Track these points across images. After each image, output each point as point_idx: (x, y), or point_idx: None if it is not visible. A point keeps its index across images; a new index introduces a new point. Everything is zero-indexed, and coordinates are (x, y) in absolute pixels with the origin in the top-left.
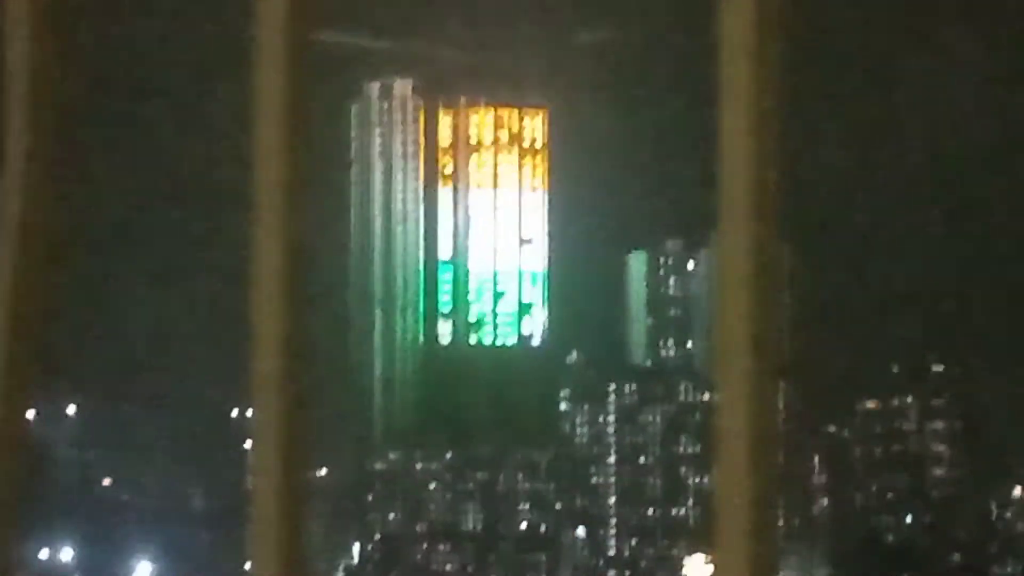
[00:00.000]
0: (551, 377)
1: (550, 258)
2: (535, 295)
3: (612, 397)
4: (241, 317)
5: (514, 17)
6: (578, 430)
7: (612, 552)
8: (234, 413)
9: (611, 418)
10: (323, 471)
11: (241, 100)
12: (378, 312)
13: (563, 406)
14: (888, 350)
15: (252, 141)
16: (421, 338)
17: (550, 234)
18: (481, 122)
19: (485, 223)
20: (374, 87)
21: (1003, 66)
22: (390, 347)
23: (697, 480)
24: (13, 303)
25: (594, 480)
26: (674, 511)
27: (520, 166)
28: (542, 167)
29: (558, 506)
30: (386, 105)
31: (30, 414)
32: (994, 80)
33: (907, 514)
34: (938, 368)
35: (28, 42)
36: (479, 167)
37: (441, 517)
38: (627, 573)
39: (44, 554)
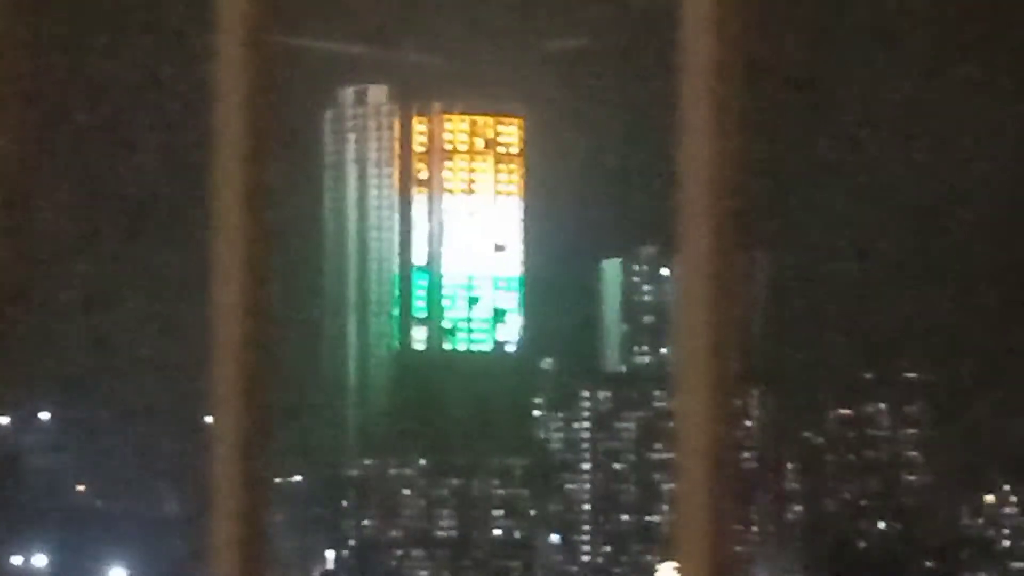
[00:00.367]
0: (525, 383)
1: (525, 264)
2: (509, 301)
3: (586, 403)
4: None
5: (489, 24)
6: (552, 436)
7: (586, 558)
8: (208, 419)
9: (585, 424)
10: (297, 477)
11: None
12: (352, 318)
13: (537, 412)
14: (861, 357)
15: (212, 148)
16: (395, 344)
17: (525, 241)
18: (456, 129)
19: (460, 229)
20: (348, 93)
21: (979, 70)
22: (364, 353)
23: (671, 487)
24: None
25: (568, 486)
26: (648, 518)
27: (495, 173)
28: (517, 174)
29: (532, 512)
30: (360, 111)
31: (3, 420)
32: (968, 84)
33: (879, 520)
34: (911, 375)
35: None
36: (454, 174)
37: (415, 523)
38: None
39: (17, 560)
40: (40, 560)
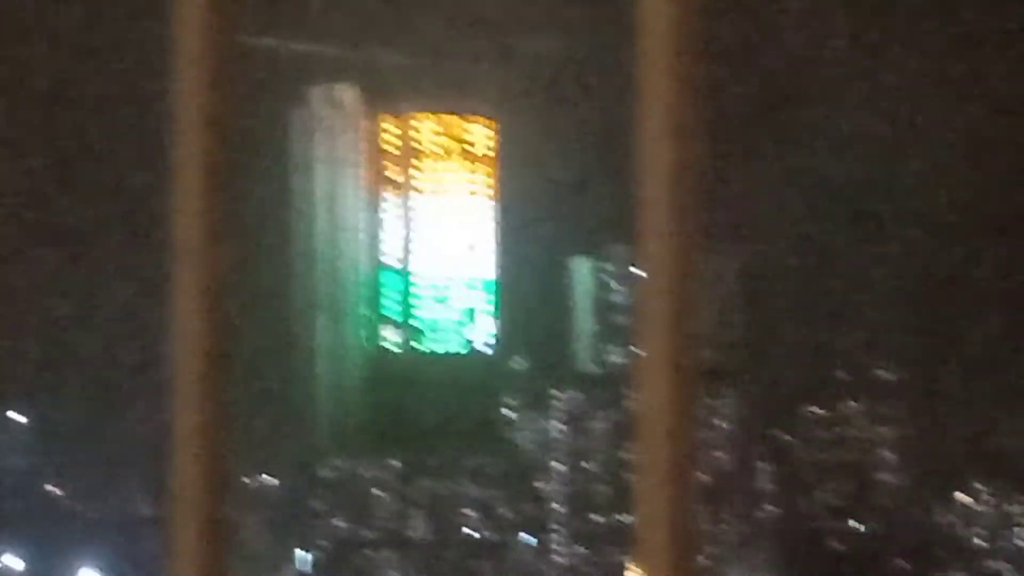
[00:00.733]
0: (496, 383)
1: (496, 265)
2: (480, 302)
3: (558, 403)
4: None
5: (460, 25)
6: (524, 437)
7: (558, 559)
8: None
9: (556, 424)
10: (267, 478)
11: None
12: (322, 319)
13: (509, 413)
14: (834, 356)
15: (172, 149)
16: (366, 345)
17: (496, 241)
18: (426, 129)
19: (430, 230)
20: (317, 93)
21: (955, 74)
22: (335, 354)
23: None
24: None
25: (539, 487)
26: (620, 518)
27: (466, 173)
28: (488, 174)
29: (504, 513)
30: (329, 111)
31: None
32: (945, 88)
33: (852, 520)
34: (884, 374)
35: None
36: (424, 174)
37: (387, 524)
38: None
39: None
40: (15, 563)
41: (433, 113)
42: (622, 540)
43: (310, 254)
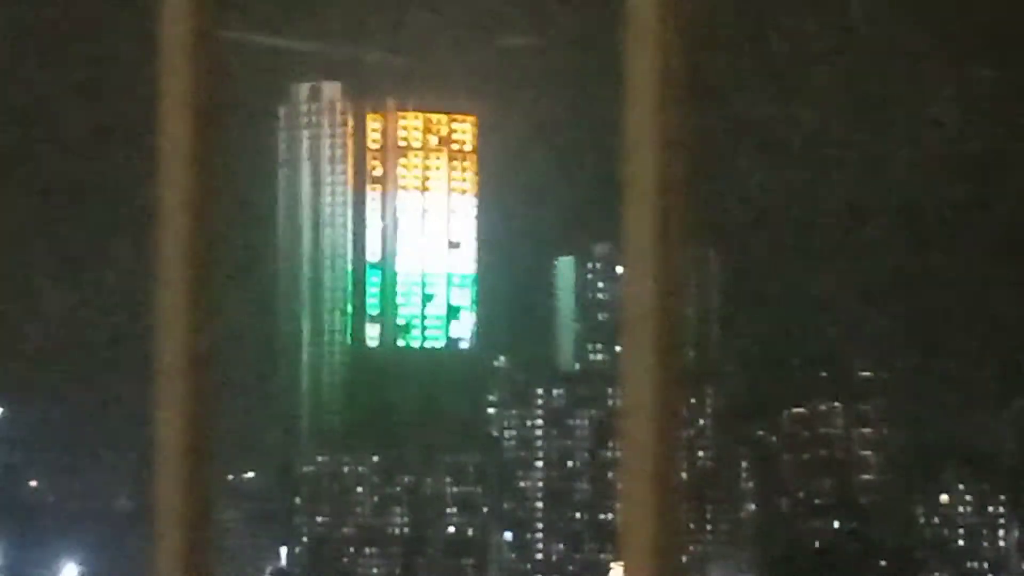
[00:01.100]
0: (479, 381)
1: (479, 262)
2: (463, 299)
3: (540, 401)
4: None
5: (443, 21)
6: (506, 434)
7: (539, 556)
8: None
9: (539, 422)
10: (250, 474)
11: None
12: (306, 315)
13: (491, 410)
14: (816, 356)
15: (157, 149)
16: (349, 341)
17: (479, 238)
18: (410, 126)
19: (413, 226)
20: (302, 89)
21: (932, 71)
22: (318, 350)
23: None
24: None
25: (521, 484)
26: (601, 516)
27: (449, 170)
28: (471, 171)
29: (485, 510)
30: (314, 108)
31: None
32: (925, 84)
33: (834, 520)
34: (865, 374)
35: None
36: (408, 171)
37: (368, 520)
38: None
39: None
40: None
41: (418, 110)
42: (603, 537)
43: (294, 251)
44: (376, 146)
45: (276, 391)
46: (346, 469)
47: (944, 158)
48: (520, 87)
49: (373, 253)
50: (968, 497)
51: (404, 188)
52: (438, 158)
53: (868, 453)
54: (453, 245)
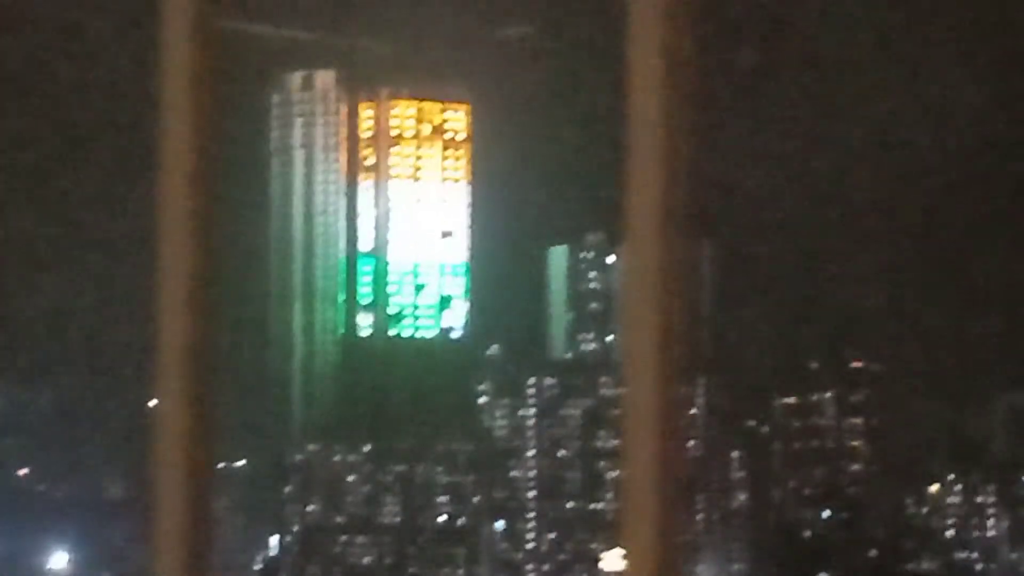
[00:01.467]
0: (471, 370)
1: (471, 251)
2: (455, 288)
3: (532, 390)
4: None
5: (437, 10)
6: (497, 423)
7: (530, 545)
8: (152, 403)
9: (530, 411)
10: (241, 462)
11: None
12: (298, 304)
13: (482, 399)
14: (807, 346)
15: (158, 135)
16: (341, 330)
17: (471, 227)
18: (403, 115)
19: (406, 215)
20: (296, 78)
21: (922, 60)
22: (309, 339)
23: (616, 474)
24: None
25: (513, 473)
26: (593, 505)
27: (442, 159)
28: (464, 160)
29: (476, 499)
30: (308, 96)
31: None
32: (912, 73)
33: (824, 510)
34: (856, 364)
35: None
36: (401, 159)
37: (359, 509)
38: (545, 567)
39: None
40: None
41: (411, 99)
42: (595, 527)
43: (286, 240)
44: (369, 135)
45: (268, 379)
46: (338, 458)
47: (934, 149)
48: (513, 76)
49: (366, 242)
50: (958, 487)
51: (397, 177)
52: (431, 147)
53: (858, 443)
54: (446, 234)
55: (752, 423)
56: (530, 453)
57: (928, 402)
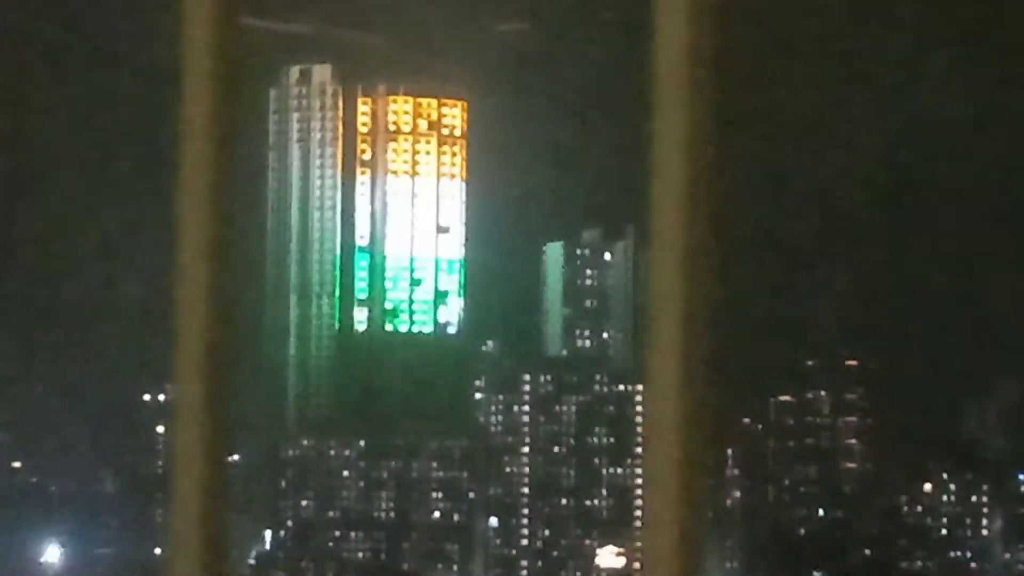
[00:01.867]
0: (466, 365)
1: (467, 247)
2: (451, 283)
3: (527, 386)
4: (153, 302)
5: (435, 6)
6: (492, 419)
7: (525, 542)
8: (146, 397)
9: (526, 407)
10: (236, 456)
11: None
12: (294, 298)
13: (478, 395)
14: (802, 345)
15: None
16: (337, 325)
17: (467, 223)
18: (400, 110)
19: (402, 211)
20: (293, 72)
21: (924, 64)
22: (305, 333)
23: (610, 471)
24: None
25: (508, 470)
26: (587, 502)
27: (438, 154)
28: (460, 156)
29: (471, 495)
30: (305, 91)
31: None
32: (912, 81)
33: (819, 507)
34: (851, 362)
35: None
36: (397, 155)
37: (354, 504)
38: (539, 563)
39: None
40: None
41: (408, 94)
42: (589, 523)
43: (283, 234)
44: (366, 130)
45: (263, 374)
46: (332, 453)
47: (930, 147)
48: (510, 72)
49: (362, 237)
50: (952, 486)
51: (393, 172)
52: (428, 142)
53: (853, 441)
54: (442, 230)
55: (747, 421)
56: (525, 449)
57: (922, 401)
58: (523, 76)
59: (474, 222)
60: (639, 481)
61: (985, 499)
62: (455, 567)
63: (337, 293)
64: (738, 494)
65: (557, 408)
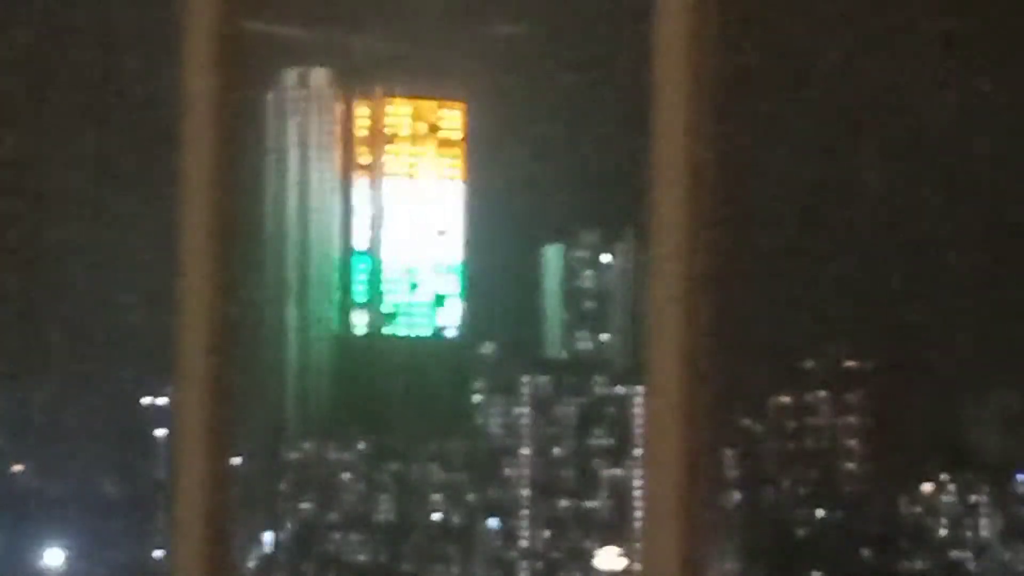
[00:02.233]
0: (465, 369)
1: (466, 250)
2: (450, 287)
3: (526, 389)
4: (153, 304)
5: (433, 8)
6: (491, 421)
7: (525, 544)
8: (145, 400)
9: (525, 410)
10: (235, 459)
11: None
12: (292, 302)
13: (477, 398)
14: (801, 345)
15: (179, 131)
16: (335, 328)
17: (466, 226)
18: (398, 113)
19: (401, 214)
20: (291, 76)
21: (921, 63)
22: (304, 337)
23: (610, 473)
24: None
25: (507, 472)
26: (587, 503)
27: (437, 158)
28: (459, 159)
29: (471, 497)
30: (302, 94)
31: None
32: (920, 91)
33: (818, 509)
34: (851, 364)
35: None
36: (396, 158)
37: (354, 507)
38: (539, 565)
39: None
40: None
41: (406, 97)
42: (589, 525)
43: (281, 238)
44: (364, 133)
45: (262, 377)
46: (332, 456)
47: (929, 152)
48: (509, 75)
49: (360, 241)
50: (951, 487)
51: (392, 175)
52: (426, 145)
53: (853, 442)
54: (441, 233)
55: (745, 422)
56: (524, 451)
57: (922, 401)
58: (522, 78)
59: (473, 225)
60: (639, 482)
61: (985, 499)
62: (455, 568)
63: (336, 297)
64: (737, 495)
65: (556, 410)
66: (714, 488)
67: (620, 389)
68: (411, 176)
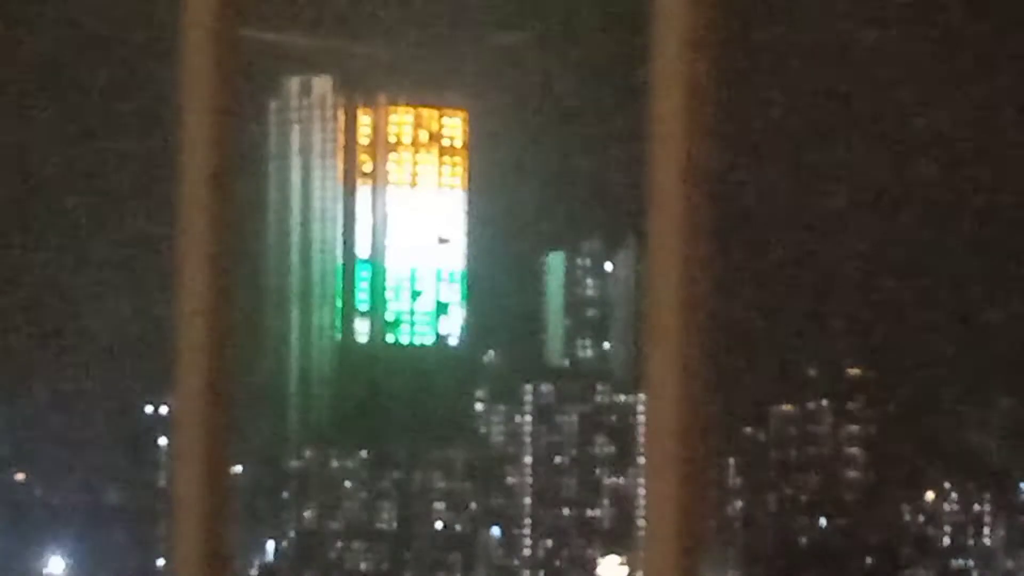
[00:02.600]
0: (468, 376)
1: (468, 258)
2: (452, 294)
3: (528, 397)
4: (154, 312)
5: (435, 17)
6: (494, 430)
7: (527, 552)
8: (148, 409)
9: (527, 418)
10: (238, 468)
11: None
12: (295, 310)
13: (479, 406)
14: (804, 353)
15: (177, 140)
16: (338, 336)
17: (468, 234)
18: (401, 121)
19: (403, 222)
20: (293, 83)
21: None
22: (307, 345)
23: (612, 481)
24: None
25: (509, 480)
26: (589, 512)
27: (439, 166)
28: (461, 167)
29: (473, 506)
30: (305, 102)
31: None
32: (921, 89)
33: (821, 517)
34: (854, 372)
35: None
36: (398, 166)
37: (356, 515)
38: (541, 573)
39: None
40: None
41: (409, 105)
42: (591, 533)
43: (284, 245)
44: (367, 141)
45: (264, 385)
46: (334, 464)
47: (934, 153)
48: (511, 83)
49: (363, 249)
50: (954, 495)
51: (394, 183)
52: (428, 153)
53: (855, 450)
54: (443, 241)
55: (748, 430)
56: (527, 460)
57: (924, 409)
58: (524, 86)
59: (475, 233)
60: (641, 491)
61: (988, 507)
62: None
63: (338, 304)
64: (739, 503)
65: (559, 418)
66: (716, 497)
67: (622, 397)
68: (414, 184)
